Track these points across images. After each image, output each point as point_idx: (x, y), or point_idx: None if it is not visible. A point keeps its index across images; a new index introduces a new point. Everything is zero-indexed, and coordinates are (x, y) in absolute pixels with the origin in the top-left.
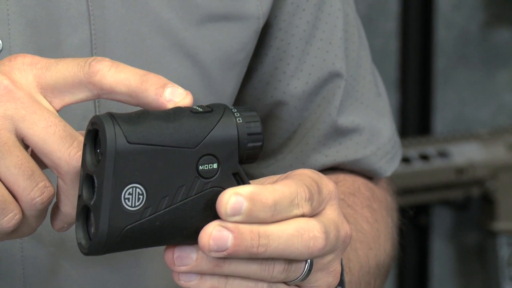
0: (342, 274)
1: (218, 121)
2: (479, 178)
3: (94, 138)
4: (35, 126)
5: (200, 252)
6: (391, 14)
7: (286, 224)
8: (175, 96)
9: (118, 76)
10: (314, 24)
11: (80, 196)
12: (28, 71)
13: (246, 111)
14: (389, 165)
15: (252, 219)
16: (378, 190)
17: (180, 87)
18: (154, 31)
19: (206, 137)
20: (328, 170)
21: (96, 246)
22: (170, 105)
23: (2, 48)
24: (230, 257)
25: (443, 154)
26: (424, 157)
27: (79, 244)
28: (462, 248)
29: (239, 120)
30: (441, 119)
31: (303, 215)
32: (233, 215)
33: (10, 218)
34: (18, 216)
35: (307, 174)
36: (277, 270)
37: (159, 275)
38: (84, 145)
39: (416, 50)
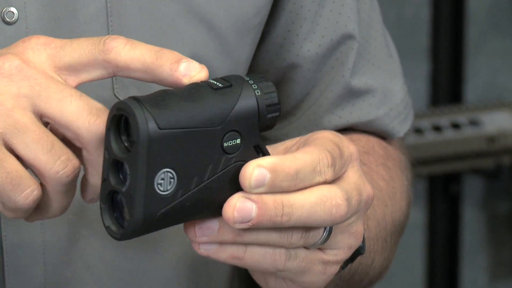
0: (363, 235)
1: (239, 96)
2: (510, 146)
3: (117, 123)
4: (51, 99)
5: (222, 223)
6: None
7: (309, 192)
8: (190, 70)
9: (133, 53)
10: None
11: (105, 180)
12: (42, 51)
13: (262, 81)
14: (401, 126)
15: (275, 189)
16: (392, 149)
17: (195, 61)
18: None
19: (229, 114)
20: (341, 131)
21: (131, 234)
22: (185, 80)
23: (18, 18)
24: (254, 227)
25: (474, 123)
26: (456, 126)
27: (108, 228)
28: (493, 217)
29: (257, 92)
30: (472, 88)
31: (325, 182)
32: (257, 187)
33: (27, 194)
34: (36, 192)
35: (328, 138)
36: (296, 237)
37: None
38: (108, 129)
39: (447, 18)
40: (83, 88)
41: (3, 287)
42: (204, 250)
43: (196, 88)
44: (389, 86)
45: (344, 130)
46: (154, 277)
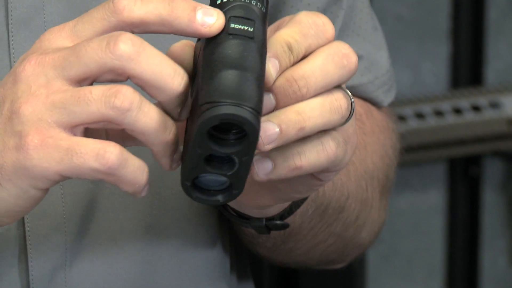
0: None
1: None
2: None
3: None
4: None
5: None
6: None
7: (313, 58)
8: (208, 17)
9: (146, 8)
10: None
11: (195, 168)
12: (58, 37)
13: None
14: (386, 96)
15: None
16: (376, 111)
17: (209, 7)
18: None
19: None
20: None
21: (224, 202)
22: (205, 30)
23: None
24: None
25: (495, 105)
26: (476, 108)
27: (189, 187)
28: None
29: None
30: (493, 70)
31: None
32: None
33: (180, 80)
34: (186, 77)
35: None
36: (334, 111)
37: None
38: (203, 133)
39: (468, 0)
40: None
41: (25, 257)
42: (267, 169)
43: (232, 48)
44: (375, 55)
45: None
46: (173, 243)
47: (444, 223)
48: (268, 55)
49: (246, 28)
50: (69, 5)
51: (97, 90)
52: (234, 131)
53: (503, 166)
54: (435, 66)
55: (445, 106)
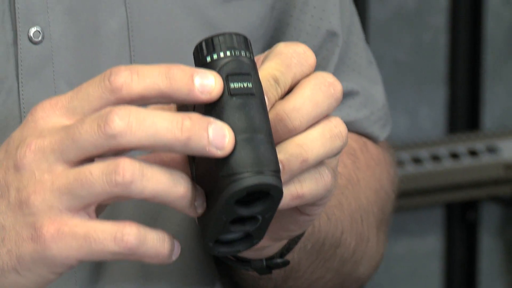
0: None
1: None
2: None
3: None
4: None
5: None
6: (440, 8)
7: (302, 91)
8: (206, 83)
9: (144, 83)
10: None
11: (217, 224)
12: (52, 115)
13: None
14: (382, 131)
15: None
16: (372, 146)
17: (206, 71)
18: (185, 12)
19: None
20: None
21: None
22: (205, 97)
23: (43, 37)
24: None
25: (492, 150)
26: (473, 153)
27: (215, 243)
28: (511, 244)
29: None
30: (490, 114)
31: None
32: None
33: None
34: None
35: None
36: (332, 139)
37: None
38: (232, 204)
39: (465, 44)
40: None
41: None
42: None
43: (247, 110)
44: (371, 90)
45: None
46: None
47: (441, 267)
48: None
49: (245, 85)
50: (78, 55)
51: (97, 170)
52: (258, 194)
53: (500, 211)
54: (432, 110)
55: (442, 150)
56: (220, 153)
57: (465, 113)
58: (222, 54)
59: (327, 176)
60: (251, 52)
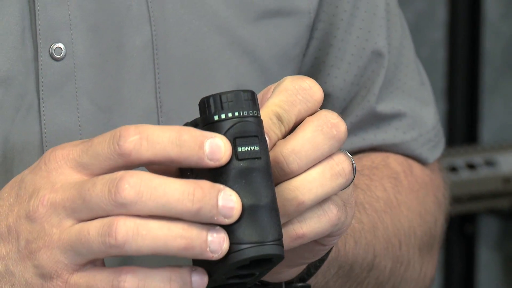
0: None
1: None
2: None
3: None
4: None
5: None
6: (439, 23)
7: (302, 134)
8: (216, 151)
9: (154, 149)
10: (352, 13)
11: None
12: (64, 166)
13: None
14: (431, 153)
15: None
16: (418, 168)
17: (216, 137)
18: (213, 30)
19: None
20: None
21: None
22: (214, 164)
23: (66, 53)
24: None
25: (490, 163)
26: (471, 166)
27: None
28: (509, 258)
29: None
30: (488, 128)
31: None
32: None
33: (191, 200)
34: (199, 193)
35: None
36: (335, 178)
37: None
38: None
39: (463, 59)
40: (129, 123)
41: None
42: None
43: (253, 176)
44: (420, 112)
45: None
46: None
47: (440, 281)
48: None
49: (252, 148)
50: (101, 73)
51: (93, 229)
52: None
53: (498, 224)
54: None
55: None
56: (227, 221)
57: (463, 127)
58: (230, 115)
59: (332, 212)
60: (257, 109)
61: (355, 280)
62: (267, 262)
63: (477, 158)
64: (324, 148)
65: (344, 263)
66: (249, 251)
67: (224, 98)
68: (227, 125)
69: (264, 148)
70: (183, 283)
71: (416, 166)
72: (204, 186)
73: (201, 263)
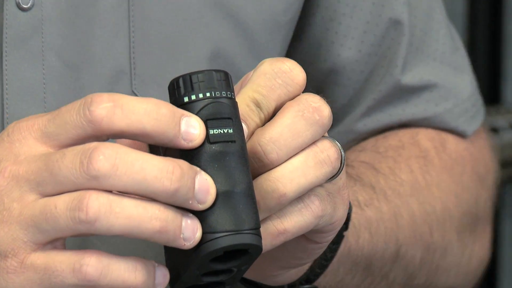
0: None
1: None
2: None
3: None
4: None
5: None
6: None
7: (281, 120)
8: (191, 131)
9: (128, 120)
10: None
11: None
12: (28, 137)
13: None
14: (469, 124)
15: None
16: (453, 142)
17: (192, 117)
18: None
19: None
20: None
21: None
22: (186, 145)
23: (34, 3)
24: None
25: None
26: (494, 130)
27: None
28: None
29: None
30: None
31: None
32: None
33: (170, 178)
34: (178, 171)
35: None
36: (318, 168)
37: None
38: (204, 272)
39: (485, 12)
40: (98, 83)
41: None
42: None
43: (227, 160)
44: (454, 81)
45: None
46: None
47: None
48: None
49: (225, 131)
50: (71, 27)
51: (62, 204)
52: (235, 251)
53: None
54: None
55: None
56: (201, 207)
57: (485, 86)
58: (201, 95)
59: (313, 204)
60: (232, 91)
61: (378, 274)
62: (244, 254)
63: (500, 121)
64: (305, 135)
65: (359, 259)
66: (222, 240)
67: (194, 78)
68: (198, 106)
69: (239, 131)
70: (148, 276)
71: (451, 140)
72: (183, 165)
73: (173, 257)
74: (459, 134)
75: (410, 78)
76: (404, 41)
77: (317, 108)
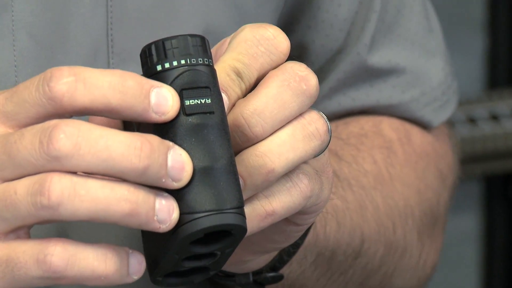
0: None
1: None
2: None
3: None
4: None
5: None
6: None
7: (265, 90)
8: (163, 103)
9: (91, 95)
10: None
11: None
12: None
13: None
14: (436, 115)
15: None
16: (418, 135)
17: (163, 87)
18: None
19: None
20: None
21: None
22: (159, 119)
23: None
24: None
25: None
26: None
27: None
28: None
29: None
30: None
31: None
32: None
33: (137, 155)
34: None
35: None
36: (307, 141)
37: None
38: (186, 246)
39: None
40: (74, 63)
41: None
42: None
43: (204, 133)
44: (424, 65)
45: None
46: None
47: (479, 253)
48: None
49: (203, 101)
50: (43, 3)
51: (22, 188)
52: (217, 232)
53: None
54: (468, 63)
55: (480, 111)
56: (176, 185)
57: (507, 66)
58: (175, 63)
59: (302, 182)
60: (209, 57)
61: (337, 269)
62: (227, 236)
63: None
64: (292, 106)
65: (323, 249)
66: (203, 221)
67: (168, 45)
68: (172, 75)
69: (218, 101)
70: (121, 264)
71: (415, 132)
72: (152, 141)
73: (150, 243)
74: (424, 124)
75: (378, 59)
76: (373, 18)
77: (303, 77)
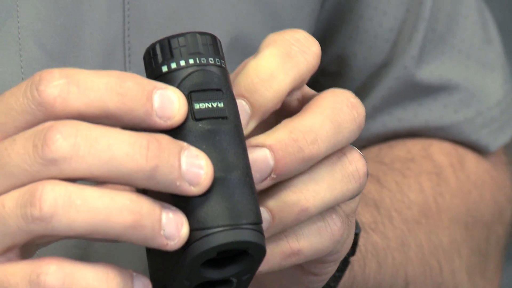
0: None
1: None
2: None
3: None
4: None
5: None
6: None
7: (320, 110)
8: (168, 106)
9: (86, 98)
10: None
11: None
12: None
13: None
14: (494, 138)
15: None
16: (472, 161)
17: (168, 88)
18: None
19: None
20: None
21: None
22: (164, 124)
23: None
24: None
25: None
26: None
27: None
28: None
29: None
30: None
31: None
32: None
33: (144, 154)
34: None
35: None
36: (350, 179)
37: None
38: (196, 269)
39: None
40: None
41: None
42: None
43: (217, 141)
44: (481, 81)
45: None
46: None
47: None
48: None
49: (214, 105)
50: (52, 5)
51: (10, 201)
52: (232, 252)
53: None
54: None
55: None
56: (194, 190)
57: None
58: (183, 63)
59: (336, 225)
60: (221, 58)
61: None
62: (244, 257)
63: None
64: (345, 132)
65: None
66: (215, 237)
67: (174, 43)
68: (179, 76)
69: (232, 106)
70: (124, 285)
71: (470, 157)
72: (161, 139)
73: (157, 265)
74: (480, 149)
75: (427, 73)
76: (422, 27)
77: (355, 104)
